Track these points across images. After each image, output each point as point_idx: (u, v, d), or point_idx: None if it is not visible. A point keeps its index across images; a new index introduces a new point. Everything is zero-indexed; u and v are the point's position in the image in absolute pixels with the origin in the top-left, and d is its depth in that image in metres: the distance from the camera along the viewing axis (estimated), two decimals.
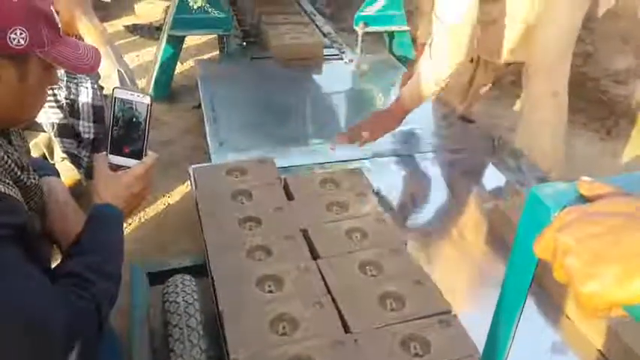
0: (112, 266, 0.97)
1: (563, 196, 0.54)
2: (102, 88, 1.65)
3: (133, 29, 3.93)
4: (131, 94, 1.03)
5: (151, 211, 2.11)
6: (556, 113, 2.04)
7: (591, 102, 3.07)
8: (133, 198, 1.04)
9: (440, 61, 1.71)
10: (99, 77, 1.64)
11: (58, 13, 1.51)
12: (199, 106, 2.39)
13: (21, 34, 0.87)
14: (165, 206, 2.16)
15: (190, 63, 3.39)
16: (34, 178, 0.97)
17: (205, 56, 3.56)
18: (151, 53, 3.35)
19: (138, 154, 1.05)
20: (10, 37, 0.86)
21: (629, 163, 2.69)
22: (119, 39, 3.76)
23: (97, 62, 1.06)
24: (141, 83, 3.10)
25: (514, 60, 2.11)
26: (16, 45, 0.88)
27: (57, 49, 0.95)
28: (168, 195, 2.21)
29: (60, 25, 0.97)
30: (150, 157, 1.06)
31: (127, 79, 1.61)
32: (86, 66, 1.02)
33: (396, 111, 1.89)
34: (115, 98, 1.02)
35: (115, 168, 1.04)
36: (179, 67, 3.14)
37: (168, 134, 2.69)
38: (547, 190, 0.54)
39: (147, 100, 1.03)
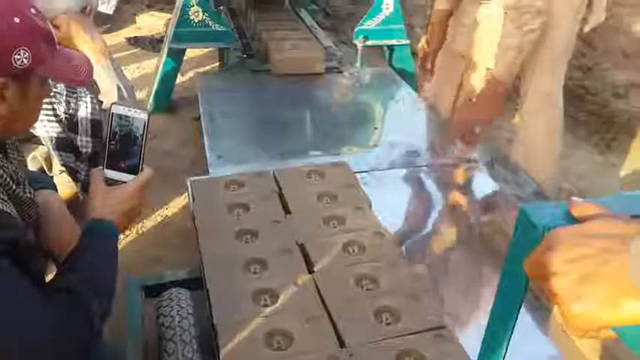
0: (105, 281, 0.96)
1: (552, 216, 0.54)
2: (101, 102, 1.65)
3: (135, 41, 3.96)
4: (129, 110, 1.04)
5: (148, 222, 2.11)
6: (551, 112, 2.07)
7: (591, 115, 3.08)
8: (127, 213, 1.04)
9: None
10: (98, 92, 1.65)
11: (58, 27, 1.54)
12: (199, 118, 2.40)
13: (24, 53, 0.89)
14: (162, 218, 2.16)
15: (191, 74, 3.41)
16: (29, 192, 0.98)
17: (206, 68, 3.58)
18: (152, 65, 3.37)
19: (134, 169, 1.05)
20: (14, 58, 0.88)
21: (627, 177, 2.69)
22: (120, 51, 3.79)
23: (90, 74, 1.08)
24: (141, 95, 3.12)
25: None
26: (20, 65, 0.89)
27: (54, 64, 0.96)
28: (166, 207, 2.22)
29: (56, 39, 0.98)
30: (146, 172, 1.06)
31: (125, 94, 1.62)
32: (79, 78, 1.04)
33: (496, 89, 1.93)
34: (113, 114, 1.03)
35: (111, 183, 1.05)
36: (179, 79, 3.15)
37: (168, 146, 2.70)
38: (537, 210, 0.54)
39: (144, 115, 1.04)
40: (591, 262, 0.46)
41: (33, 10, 0.92)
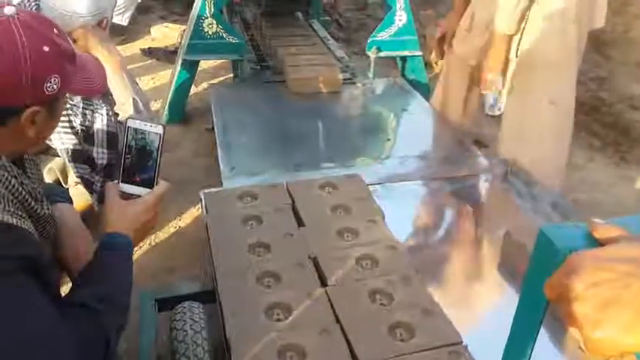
0: (120, 296, 0.97)
1: (572, 237, 0.53)
2: (117, 114, 1.67)
3: (149, 52, 3.99)
4: (144, 124, 1.04)
5: (162, 234, 2.11)
6: (555, 121, 2.05)
7: (606, 127, 3.05)
8: (142, 227, 1.04)
9: None
10: (114, 104, 1.67)
11: (75, 41, 1.56)
12: (212, 128, 2.41)
13: (55, 80, 0.91)
14: (176, 229, 2.17)
15: (205, 85, 3.43)
16: (47, 208, 0.99)
17: (220, 79, 3.60)
18: (166, 76, 3.39)
19: (149, 183, 1.06)
20: (46, 87, 0.90)
21: None
22: (135, 62, 3.83)
23: (104, 83, 1.09)
24: (156, 106, 3.14)
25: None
26: (51, 92, 0.91)
27: (75, 80, 0.98)
28: (179, 218, 2.22)
29: (75, 54, 0.99)
30: (161, 186, 1.07)
31: (141, 106, 1.63)
32: (95, 88, 1.05)
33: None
34: (129, 128, 1.04)
35: (126, 197, 1.05)
36: (193, 90, 3.17)
37: (182, 156, 2.72)
38: (557, 231, 0.54)
39: (159, 129, 1.04)
40: (613, 286, 0.45)
41: (56, 31, 0.93)
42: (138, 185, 1.06)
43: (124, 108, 1.62)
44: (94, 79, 1.05)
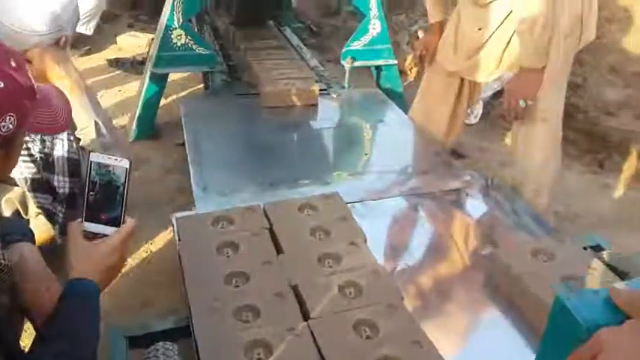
0: (83, 351, 0.89)
1: (593, 307, 0.47)
2: (78, 139, 1.57)
3: (116, 63, 3.86)
4: (109, 158, 0.96)
5: (132, 260, 1.99)
6: (545, 136, 2.04)
7: (582, 134, 3.05)
8: (109, 270, 0.96)
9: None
10: (75, 129, 1.56)
11: (30, 62, 1.46)
12: (183, 143, 2.32)
13: (10, 119, 0.84)
14: (147, 254, 2.06)
15: (174, 97, 3.33)
16: (3, 258, 0.90)
17: (190, 90, 3.50)
18: (134, 87, 3.28)
19: (115, 222, 0.98)
20: (0, 126, 0.82)
21: (622, 198, 2.65)
22: (102, 73, 3.70)
23: (68, 119, 1.01)
24: (124, 120, 3.03)
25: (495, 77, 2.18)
26: (6, 131, 0.84)
27: (35, 116, 0.90)
28: (150, 242, 2.11)
29: (35, 88, 0.91)
30: (128, 224, 0.98)
31: (103, 130, 1.53)
32: (59, 125, 0.97)
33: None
34: (92, 162, 0.95)
35: (91, 237, 0.97)
36: (163, 102, 3.06)
37: (152, 173, 2.61)
38: (575, 299, 0.48)
39: (125, 163, 0.96)
40: None
41: (14, 64, 0.85)
42: (103, 224, 0.98)
43: (86, 132, 1.52)
44: (58, 115, 0.97)
